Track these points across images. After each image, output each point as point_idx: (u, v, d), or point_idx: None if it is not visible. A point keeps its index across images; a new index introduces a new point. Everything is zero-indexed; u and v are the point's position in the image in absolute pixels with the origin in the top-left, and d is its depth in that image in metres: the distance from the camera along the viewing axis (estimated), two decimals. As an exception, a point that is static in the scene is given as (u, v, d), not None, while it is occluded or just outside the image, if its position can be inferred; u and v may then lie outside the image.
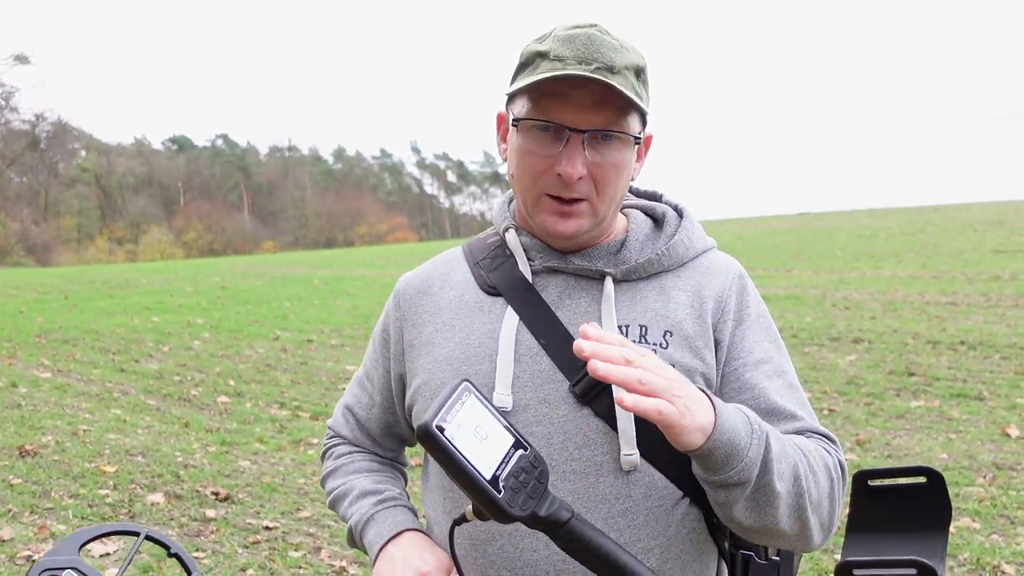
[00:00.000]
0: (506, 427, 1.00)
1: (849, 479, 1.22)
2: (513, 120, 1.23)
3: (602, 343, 0.96)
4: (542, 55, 1.18)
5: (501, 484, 0.95)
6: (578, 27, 1.18)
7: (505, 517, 0.96)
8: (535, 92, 1.19)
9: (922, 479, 0.96)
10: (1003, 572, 3.85)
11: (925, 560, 0.81)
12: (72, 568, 1.58)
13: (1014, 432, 5.73)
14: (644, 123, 1.25)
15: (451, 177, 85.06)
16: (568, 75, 1.14)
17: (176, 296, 17.32)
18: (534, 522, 0.99)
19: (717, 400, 1.04)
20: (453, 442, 0.93)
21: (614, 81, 1.14)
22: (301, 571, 4.15)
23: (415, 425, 0.92)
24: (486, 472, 0.94)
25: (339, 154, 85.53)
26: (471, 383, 1.00)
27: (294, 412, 7.45)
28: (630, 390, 0.95)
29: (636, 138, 1.21)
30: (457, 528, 1.10)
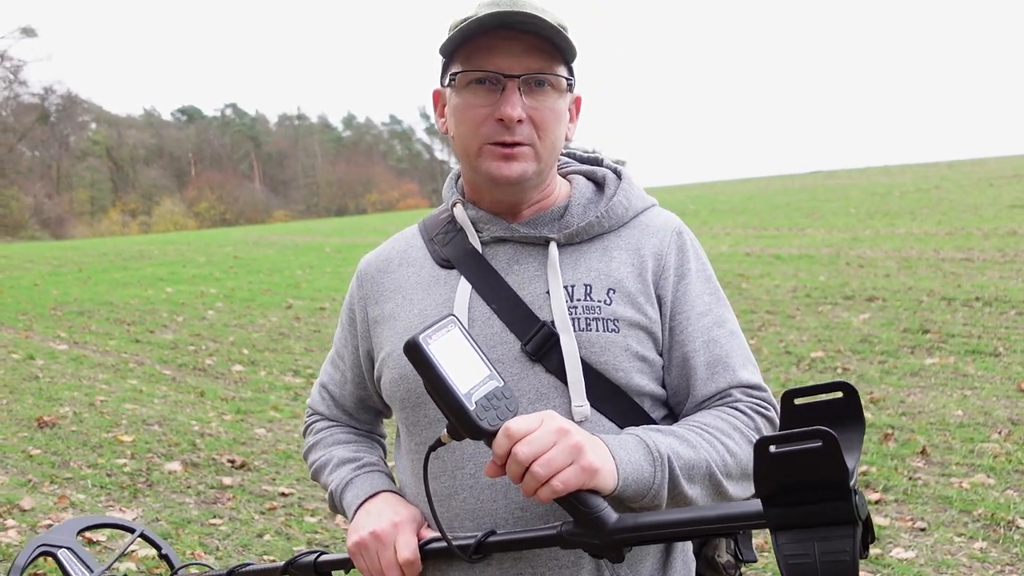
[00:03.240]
0: (484, 360, 1.11)
1: (778, 423, 1.32)
2: (451, 76, 1.30)
3: (508, 472, 1.08)
4: (468, 19, 1.26)
5: (474, 400, 1.06)
6: None
7: (475, 431, 1.07)
8: (467, 49, 1.27)
9: (839, 394, 1.05)
10: (1018, 527, 3.85)
11: (829, 430, 0.88)
12: (68, 548, 1.64)
13: (1030, 388, 5.70)
14: (572, 80, 1.32)
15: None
16: (495, 12, 1.22)
17: (189, 267, 17.39)
18: None
19: (613, 443, 1.16)
20: (435, 356, 1.05)
21: (543, 18, 1.22)
22: (317, 536, 4.20)
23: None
24: (461, 388, 1.06)
25: (349, 121, 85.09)
26: (456, 318, 1.12)
27: (308, 380, 7.50)
28: (536, 491, 1.07)
29: (568, 80, 1.29)
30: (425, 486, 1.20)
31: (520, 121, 1.26)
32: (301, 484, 4.94)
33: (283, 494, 4.78)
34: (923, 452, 4.79)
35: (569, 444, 1.08)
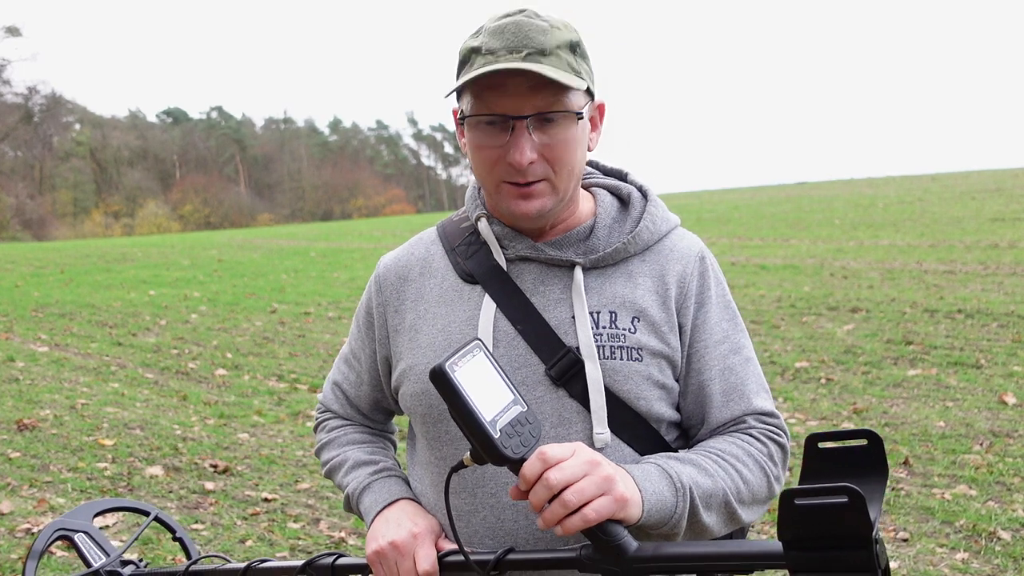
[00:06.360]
0: (508, 385, 1.12)
1: (789, 449, 1.37)
2: (459, 118, 1.31)
3: (532, 496, 1.08)
4: (476, 51, 1.24)
5: (498, 428, 1.07)
6: (507, 16, 1.25)
7: (499, 458, 1.07)
8: (476, 87, 1.24)
9: (864, 441, 1.06)
10: (999, 538, 3.87)
11: (856, 488, 0.90)
12: (84, 532, 1.67)
13: (1011, 400, 5.75)
14: (591, 94, 1.30)
15: (448, 148, 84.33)
16: (499, 69, 1.19)
17: (173, 270, 17.28)
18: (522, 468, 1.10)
19: (638, 474, 1.18)
20: (460, 384, 1.06)
21: (545, 63, 1.21)
22: (300, 542, 4.17)
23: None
24: (487, 415, 1.07)
25: (335, 126, 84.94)
26: (482, 342, 1.12)
27: (292, 385, 7.46)
28: (562, 519, 1.08)
29: (578, 114, 1.26)
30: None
31: (532, 162, 1.25)
32: (284, 490, 4.91)
33: (266, 500, 4.74)
34: (906, 463, 4.81)
35: (601, 475, 1.09)
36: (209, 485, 4.98)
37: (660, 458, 1.24)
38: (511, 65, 1.19)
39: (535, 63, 1.20)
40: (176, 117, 76.77)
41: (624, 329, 1.30)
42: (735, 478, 1.26)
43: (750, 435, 1.32)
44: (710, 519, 1.23)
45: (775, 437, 1.33)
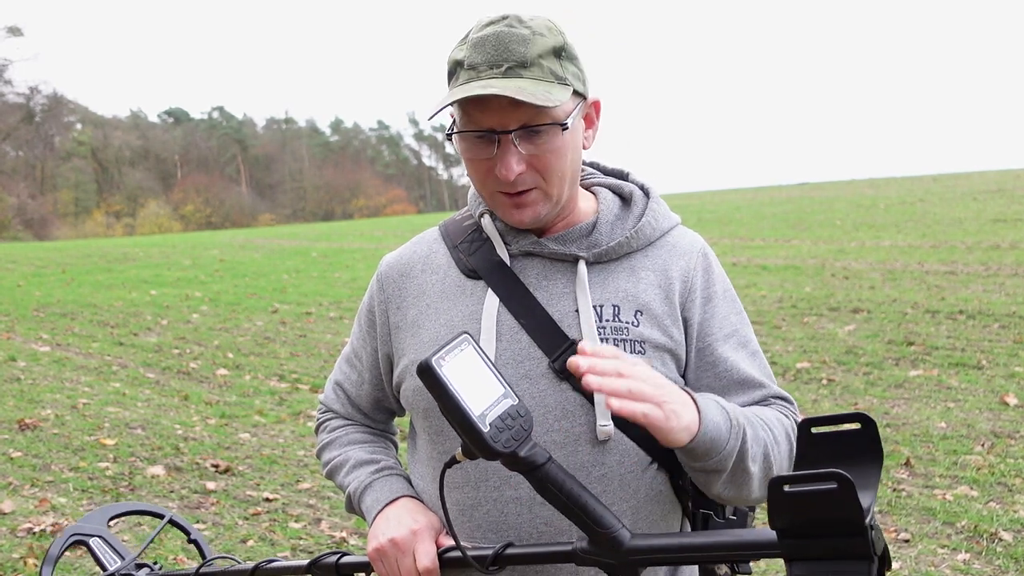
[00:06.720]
0: (498, 378, 1.11)
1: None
2: (447, 133, 1.33)
3: (597, 358, 1.07)
4: (460, 64, 1.26)
5: (488, 422, 1.06)
6: (491, 23, 1.25)
7: (489, 452, 1.06)
8: (461, 102, 1.24)
9: (857, 425, 1.04)
10: (1000, 539, 3.87)
11: (845, 473, 0.89)
12: (99, 537, 1.69)
13: (1012, 400, 5.74)
14: (582, 95, 1.30)
15: (449, 149, 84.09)
16: (477, 95, 1.20)
17: (174, 269, 17.29)
18: (514, 462, 1.09)
19: (701, 401, 1.17)
20: (448, 379, 1.05)
21: (526, 75, 1.22)
22: (302, 542, 4.17)
23: (416, 364, 1.07)
24: (475, 409, 1.06)
25: (336, 126, 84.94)
26: (470, 335, 1.11)
27: (293, 384, 7.46)
28: (620, 396, 1.06)
29: (563, 126, 1.25)
30: (447, 497, 1.19)
31: (521, 173, 1.26)
32: (285, 490, 4.91)
33: (267, 499, 4.75)
34: (907, 464, 4.81)
35: (661, 388, 1.10)
36: (210, 485, 4.98)
37: (717, 397, 1.25)
38: (486, 92, 1.19)
39: (515, 78, 1.21)
40: (177, 117, 76.82)
41: (627, 322, 1.31)
42: (769, 436, 1.27)
43: (773, 408, 1.35)
44: (755, 467, 1.23)
45: (794, 415, 1.35)
